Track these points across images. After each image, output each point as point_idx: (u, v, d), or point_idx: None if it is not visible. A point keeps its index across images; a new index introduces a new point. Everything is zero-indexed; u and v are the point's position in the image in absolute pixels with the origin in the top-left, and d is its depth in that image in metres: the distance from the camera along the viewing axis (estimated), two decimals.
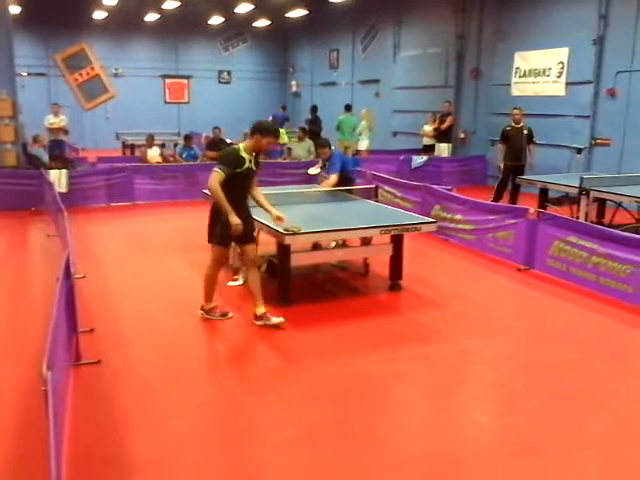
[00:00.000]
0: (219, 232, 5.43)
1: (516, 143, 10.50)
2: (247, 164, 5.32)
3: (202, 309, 5.72)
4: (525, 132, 10.55)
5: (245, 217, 5.37)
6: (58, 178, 10.90)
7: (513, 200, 10.41)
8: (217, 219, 5.47)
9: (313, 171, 8.39)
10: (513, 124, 10.61)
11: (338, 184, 7.54)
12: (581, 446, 3.78)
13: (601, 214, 9.57)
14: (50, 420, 2.60)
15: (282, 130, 13.13)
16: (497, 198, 10.45)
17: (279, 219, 5.55)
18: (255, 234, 5.71)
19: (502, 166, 10.67)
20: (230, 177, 5.21)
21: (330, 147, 7.82)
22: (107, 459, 3.56)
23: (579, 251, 6.67)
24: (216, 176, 5.20)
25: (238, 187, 5.34)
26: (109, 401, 4.22)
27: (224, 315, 5.70)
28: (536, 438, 3.84)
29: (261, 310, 5.49)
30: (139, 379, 4.60)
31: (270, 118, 18.99)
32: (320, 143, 7.94)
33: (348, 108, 15.82)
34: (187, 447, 3.71)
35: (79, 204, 10.66)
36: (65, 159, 13.07)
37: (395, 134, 17.25)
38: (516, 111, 10.62)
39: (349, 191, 7.65)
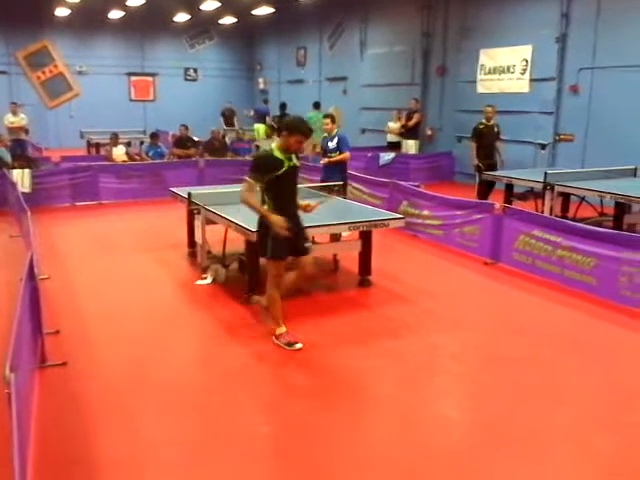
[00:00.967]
0: (272, 244, 4.84)
1: (488, 140, 10.38)
2: (287, 164, 4.84)
3: (274, 335, 5.06)
4: (496, 129, 10.52)
5: (295, 223, 4.92)
6: (21, 178, 10.69)
7: (486, 196, 10.26)
8: (267, 231, 4.85)
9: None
10: (485, 121, 10.46)
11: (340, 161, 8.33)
12: (549, 437, 3.84)
13: (565, 208, 9.74)
14: (14, 422, 2.55)
15: (262, 125, 13.10)
16: (482, 197, 10.14)
17: (306, 207, 5.12)
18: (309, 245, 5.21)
19: (476, 165, 10.53)
20: (270, 182, 4.80)
21: (335, 123, 8.53)
22: (75, 460, 3.51)
23: (544, 245, 6.78)
24: (246, 185, 4.79)
25: (281, 191, 4.88)
26: (76, 402, 4.15)
27: (290, 345, 4.95)
28: (505, 431, 3.90)
29: (281, 330, 5.05)
30: (106, 380, 4.54)
31: (252, 112, 18.90)
32: (332, 118, 8.53)
33: (317, 105, 15.83)
34: (156, 447, 3.67)
35: (43, 204, 10.47)
36: (28, 158, 12.81)
37: (363, 131, 17.31)
38: (489, 109, 10.42)
39: (321, 188, 7.67)
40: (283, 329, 5.03)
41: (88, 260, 7.74)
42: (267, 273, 5.05)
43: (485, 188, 10.35)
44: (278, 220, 4.68)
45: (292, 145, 4.86)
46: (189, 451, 3.66)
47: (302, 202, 5.15)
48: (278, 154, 4.85)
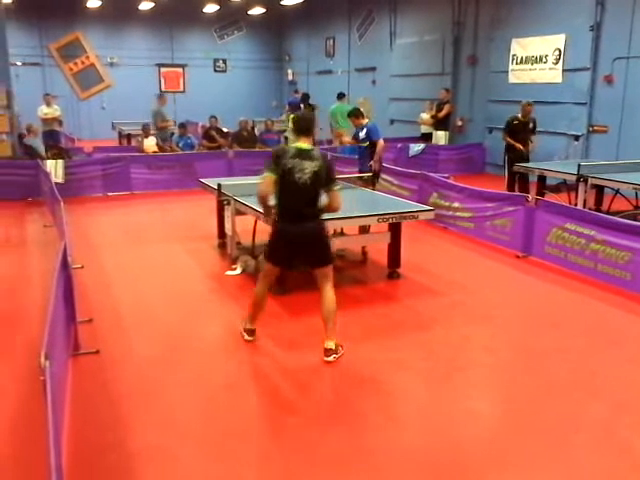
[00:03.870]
0: (268, 244, 4.83)
1: (520, 136, 10.20)
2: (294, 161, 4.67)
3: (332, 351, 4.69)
4: (530, 125, 10.28)
5: (299, 232, 4.73)
6: (54, 168, 10.85)
7: (523, 188, 10.11)
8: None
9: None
10: (520, 117, 10.25)
11: (370, 149, 8.37)
12: (581, 432, 3.79)
13: (599, 201, 9.57)
14: (49, 409, 2.60)
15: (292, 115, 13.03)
16: (513, 189, 10.06)
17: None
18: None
19: (507, 157, 10.33)
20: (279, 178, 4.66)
21: (364, 117, 8.69)
22: (108, 447, 3.57)
23: (577, 238, 6.67)
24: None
25: (285, 190, 4.71)
26: (109, 390, 4.22)
27: (244, 332, 4.99)
28: (535, 424, 3.85)
29: (247, 325, 4.98)
30: (138, 368, 4.60)
31: (287, 105, 18.75)
32: (355, 113, 8.62)
33: (340, 96, 15.72)
34: (188, 435, 3.71)
35: (76, 194, 10.64)
36: (61, 149, 13.00)
37: (392, 122, 17.20)
38: (528, 107, 10.19)
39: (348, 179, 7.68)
40: (248, 325, 4.99)
41: (120, 250, 7.83)
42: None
43: (522, 183, 10.14)
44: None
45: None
46: (220, 440, 3.69)
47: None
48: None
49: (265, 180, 4.60)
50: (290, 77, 23.32)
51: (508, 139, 10.31)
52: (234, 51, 23.27)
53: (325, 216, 4.79)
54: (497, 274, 6.99)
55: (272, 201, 4.70)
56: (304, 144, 4.63)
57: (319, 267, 4.71)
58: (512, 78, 13.45)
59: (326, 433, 3.76)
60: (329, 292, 4.70)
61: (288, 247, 4.70)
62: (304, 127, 4.72)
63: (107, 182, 11.48)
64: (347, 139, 9.35)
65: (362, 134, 8.42)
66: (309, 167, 4.51)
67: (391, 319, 5.54)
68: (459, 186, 8.61)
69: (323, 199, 4.66)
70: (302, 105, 16.83)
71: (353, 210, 6.25)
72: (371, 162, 8.37)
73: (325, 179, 4.56)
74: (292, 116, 16.34)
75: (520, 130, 10.24)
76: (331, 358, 4.64)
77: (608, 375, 4.53)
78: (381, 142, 8.39)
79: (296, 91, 20.34)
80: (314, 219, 4.66)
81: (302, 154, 4.55)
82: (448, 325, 5.43)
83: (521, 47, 13.17)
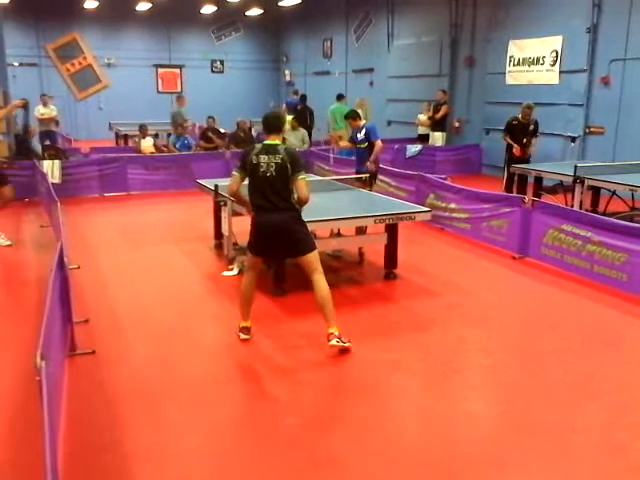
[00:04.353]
0: (250, 237, 4.94)
1: (519, 136, 10.29)
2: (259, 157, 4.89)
3: (334, 335, 4.71)
4: (531, 127, 10.33)
5: (272, 225, 4.88)
6: (51, 169, 10.84)
7: (521, 189, 10.13)
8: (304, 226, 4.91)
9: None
10: (520, 118, 10.33)
11: (368, 150, 8.25)
12: (578, 433, 3.80)
13: (595, 202, 9.58)
14: (45, 409, 2.59)
15: (289, 117, 12.97)
16: (510, 190, 10.13)
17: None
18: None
19: (507, 158, 10.42)
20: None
21: (361, 119, 8.64)
22: (103, 447, 3.56)
23: (573, 239, 6.68)
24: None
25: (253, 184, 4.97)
26: (105, 390, 4.21)
27: (239, 331, 5.00)
28: (532, 426, 3.86)
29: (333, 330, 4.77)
30: (134, 368, 4.59)
31: (284, 106, 18.70)
32: (352, 115, 8.57)
33: (340, 97, 15.72)
34: (184, 436, 3.71)
35: (72, 195, 10.63)
36: (58, 149, 12.98)
37: (389, 123, 17.21)
38: (527, 110, 10.28)
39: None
40: (242, 323, 5.01)
41: (117, 250, 7.83)
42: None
43: (520, 185, 10.16)
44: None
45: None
46: (215, 440, 3.69)
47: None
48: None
49: (232, 179, 4.89)
50: (287, 78, 23.33)
51: (507, 139, 10.39)
52: (231, 52, 23.27)
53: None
54: (493, 275, 7.00)
55: (246, 197, 4.90)
56: (272, 141, 4.79)
57: (299, 256, 4.81)
58: (509, 80, 13.47)
59: (323, 433, 3.76)
60: (318, 280, 4.76)
61: (265, 238, 4.83)
62: (271, 125, 4.87)
63: (104, 183, 11.47)
64: (345, 144, 9.30)
65: (360, 135, 8.37)
66: (273, 160, 4.68)
67: (388, 320, 5.54)
68: (456, 187, 8.62)
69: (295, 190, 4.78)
70: (299, 107, 16.82)
71: (350, 211, 6.26)
72: (368, 162, 8.37)
73: (291, 170, 4.68)
74: (288, 117, 16.35)
75: (519, 131, 10.29)
76: (334, 342, 4.66)
77: (604, 376, 4.54)
78: (379, 143, 8.34)
79: (295, 92, 20.26)
80: (287, 210, 4.76)
81: (268, 149, 4.74)
82: (445, 326, 5.44)
83: (518, 49, 13.19)
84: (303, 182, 4.74)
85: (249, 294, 5.00)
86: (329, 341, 4.68)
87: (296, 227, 4.81)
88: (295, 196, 4.76)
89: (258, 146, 4.81)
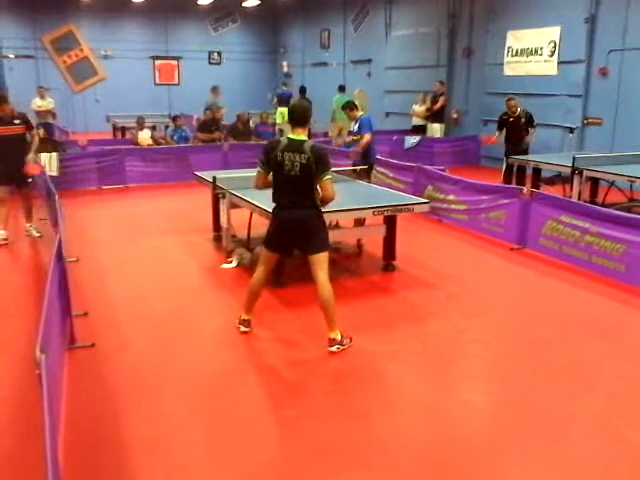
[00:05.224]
0: (267, 231, 4.93)
1: (514, 130, 10.31)
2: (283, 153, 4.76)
3: (335, 341, 4.69)
4: (523, 120, 10.32)
5: (291, 219, 4.82)
6: (49, 161, 10.80)
7: (520, 180, 10.16)
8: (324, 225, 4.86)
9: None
10: (509, 113, 10.35)
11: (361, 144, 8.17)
12: (576, 423, 3.82)
13: (594, 193, 9.60)
14: (44, 402, 2.60)
15: (285, 109, 12.92)
16: (508, 181, 10.15)
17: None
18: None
19: (505, 149, 10.44)
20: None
21: (358, 109, 8.52)
22: (103, 440, 3.58)
23: (572, 230, 6.69)
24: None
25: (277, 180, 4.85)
26: (104, 383, 4.22)
27: (239, 325, 5.04)
28: (530, 416, 3.88)
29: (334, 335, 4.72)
30: (134, 361, 4.60)
31: (274, 98, 18.63)
32: (349, 106, 8.50)
33: (341, 89, 15.71)
34: (183, 428, 3.72)
35: (70, 187, 10.58)
36: (55, 142, 12.94)
37: (388, 115, 17.18)
38: (512, 102, 10.30)
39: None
40: (243, 316, 5.02)
41: (115, 243, 7.82)
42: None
43: (519, 176, 10.18)
44: None
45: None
46: (216, 432, 3.70)
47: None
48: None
49: (257, 176, 4.80)
50: (285, 69, 23.24)
51: (497, 132, 10.48)
52: (229, 43, 23.16)
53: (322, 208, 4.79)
54: (492, 266, 7.01)
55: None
56: (297, 135, 4.61)
57: (311, 254, 4.72)
58: (507, 70, 13.44)
59: (322, 424, 3.77)
60: (323, 281, 4.68)
61: (282, 234, 4.77)
62: (297, 117, 4.65)
63: (102, 175, 11.44)
64: (341, 141, 9.26)
65: (355, 127, 8.38)
66: (298, 159, 4.50)
67: (386, 311, 5.55)
68: (454, 178, 8.62)
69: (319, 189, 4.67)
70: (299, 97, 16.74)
71: (348, 203, 6.25)
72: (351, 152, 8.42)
73: (316, 170, 4.53)
74: (281, 108, 16.28)
75: (510, 124, 10.30)
76: (334, 348, 4.65)
77: (602, 366, 4.56)
78: (367, 136, 8.13)
79: (285, 84, 20.16)
80: (308, 208, 4.67)
81: (293, 146, 4.55)
82: (443, 317, 5.45)
83: (516, 39, 13.16)
84: (328, 183, 4.57)
85: (258, 289, 4.97)
86: (330, 347, 4.66)
87: (316, 224, 4.72)
88: (319, 195, 4.65)
89: (284, 141, 4.60)
